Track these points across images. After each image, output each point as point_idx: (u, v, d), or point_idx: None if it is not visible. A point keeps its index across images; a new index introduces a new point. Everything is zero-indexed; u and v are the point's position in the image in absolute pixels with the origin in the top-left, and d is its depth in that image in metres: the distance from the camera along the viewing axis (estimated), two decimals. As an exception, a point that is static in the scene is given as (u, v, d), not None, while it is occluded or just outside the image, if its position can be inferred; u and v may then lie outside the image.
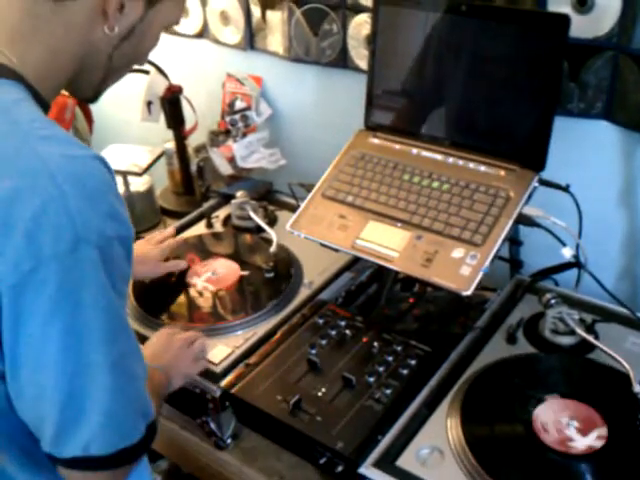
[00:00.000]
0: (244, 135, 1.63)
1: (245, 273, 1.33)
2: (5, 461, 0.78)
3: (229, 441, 1.11)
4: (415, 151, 1.25)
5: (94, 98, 0.91)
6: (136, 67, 1.58)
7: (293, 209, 1.30)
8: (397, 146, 1.27)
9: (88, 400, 0.71)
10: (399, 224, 1.17)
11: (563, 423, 0.95)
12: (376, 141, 1.30)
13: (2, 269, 0.66)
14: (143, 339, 1.17)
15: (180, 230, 1.51)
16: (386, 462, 0.93)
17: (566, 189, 1.15)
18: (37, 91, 0.78)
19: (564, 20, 1.06)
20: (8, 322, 0.68)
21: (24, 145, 0.70)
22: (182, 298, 1.29)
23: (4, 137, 0.71)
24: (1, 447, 0.77)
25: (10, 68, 0.76)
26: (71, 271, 0.68)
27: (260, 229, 1.44)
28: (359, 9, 1.43)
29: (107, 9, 0.79)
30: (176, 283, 1.32)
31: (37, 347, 0.69)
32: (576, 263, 1.16)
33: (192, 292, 1.29)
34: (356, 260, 1.33)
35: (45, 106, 0.80)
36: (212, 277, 1.32)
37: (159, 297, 1.30)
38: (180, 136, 1.69)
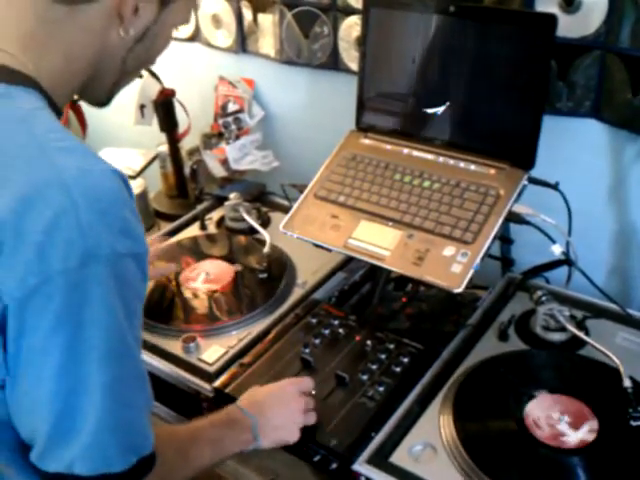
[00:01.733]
0: (237, 137, 1.63)
1: (239, 268, 1.33)
2: (11, 473, 0.76)
3: (224, 441, 1.11)
4: (406, 151, 1.26)
5: (107, 102, 0.90)
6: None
7: (286, 210, 1.31)
8: (388, 146, 1.28)
9: (80, 418, 0.70)
10: (391, 223, 1.17)
11: (555, 418, 0.96)
12: (367, 142, 1.31)
13: (10, 282, 0.65)
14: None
15: (174, 232, 1.51)
16: (380, 459, 0.94)
17: (555, 187, 1.16)
18: (51, 98, 0.77)
19: (551, 20, 1.07)
20: (12, 333, 0.67)
21: (41, 156, 0.69)
22: (176, 300, 1.30)
23: (21, 148, 0.70)
24: (5, 458, 0.75)
25: (27, 75, 0.75)
26: (78, 287, 0.66)
27: (253, 230, 1.45)
28: (349, 11, 1.44)
29: (122, 12, 0.78)
30: (170, 285, 1.33)
31: (37, 360, 0.68)
32: (566, 260, 1.17)
33: (186, 293, 1.30)
34: (349, 260, 1.34)
35: (58, 113, 0.79)
36: (206, 278, 1.33)
37: (153, 299, 1.30)
38: (173, 139, 1.70)
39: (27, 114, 0.72)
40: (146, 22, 0.82)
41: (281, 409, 0.98)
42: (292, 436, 0.98)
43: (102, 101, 0.90)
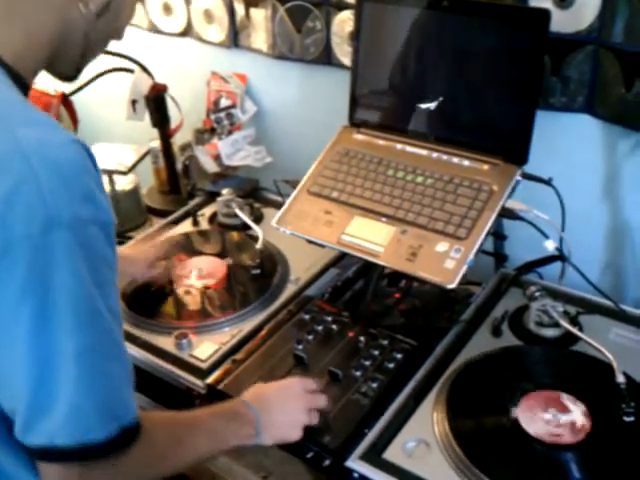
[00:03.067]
0: (229, 133, 1.63)
1: (230, 261, 1.33)
2: (1, 459, 0.76)
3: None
4: (399, 146, 1.26)
5: (74, 76, 0.91)
6: (121, 66, 1.59)
7: (279, 206, 1.31)
8: (381, 142, 1.28)
9: (55, 386, 0.69)
10: (384, 219, 1.17)
11: (548, 414, 0.96)
12: (360, 137, 1.31)
13: None
14: (131, 338, 1.18)
15: (166, 228, 1.51)
16: (373, 455, 0.93)
17: (549, 182, 1.15)
18: (17, 72, 0.78)
19: (544, 15, 1.07)
20: None
21: (3, 129, 0.70)
22: (169, 296, 1.29)
23: None
24: None
25: None
26: (42, 253, 0.67)
27: (246, 226, 1.44)
28: (342, 6, 1.43)
29: None
30: (162, 281, 1.32)
31: (9, 328, 0.68)
32: (560, 256, 1.17)
33: (178, 290, 1.29)
34: (342, 256, 1.34)
35: (25, 87, 0.80)
36: (198, 274, 1.32)
37: (146, 296, 1.30)
38: (165, 134, 1.69)
39: None
40: None
41: (285, 406, 0.97)
42: (294, 434, 0.96)
43: (70, 75, 0.90)
